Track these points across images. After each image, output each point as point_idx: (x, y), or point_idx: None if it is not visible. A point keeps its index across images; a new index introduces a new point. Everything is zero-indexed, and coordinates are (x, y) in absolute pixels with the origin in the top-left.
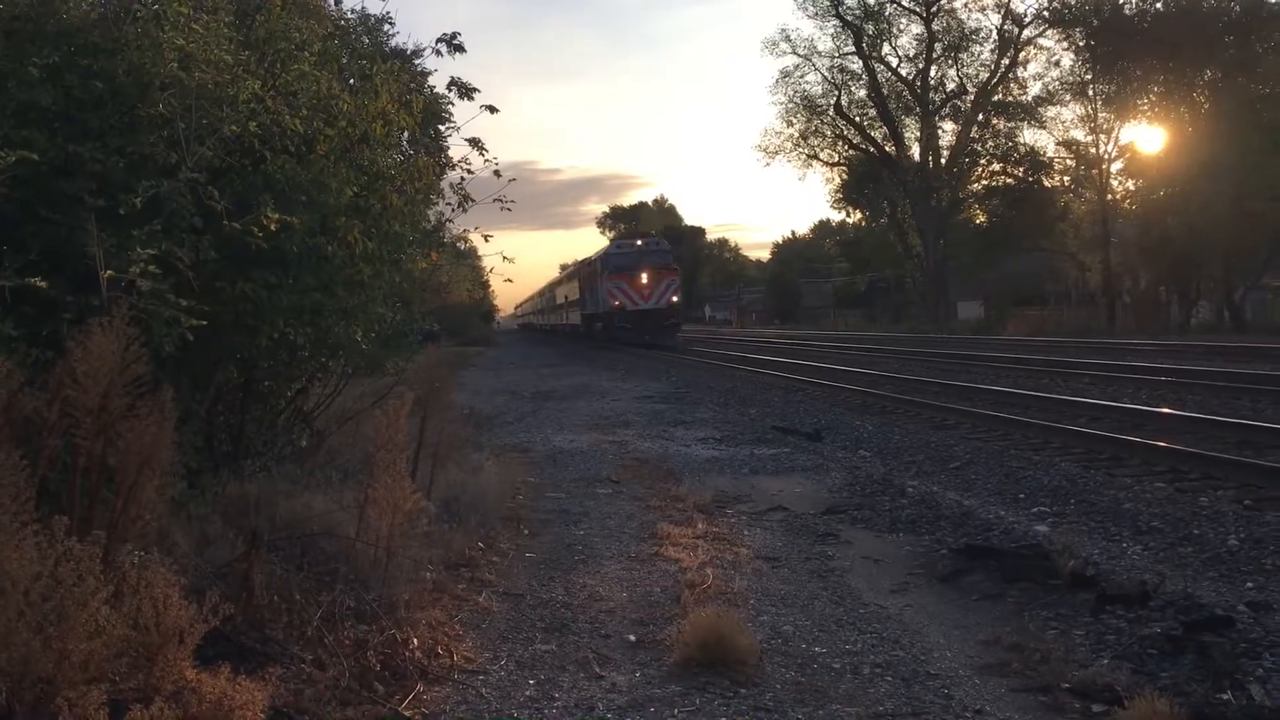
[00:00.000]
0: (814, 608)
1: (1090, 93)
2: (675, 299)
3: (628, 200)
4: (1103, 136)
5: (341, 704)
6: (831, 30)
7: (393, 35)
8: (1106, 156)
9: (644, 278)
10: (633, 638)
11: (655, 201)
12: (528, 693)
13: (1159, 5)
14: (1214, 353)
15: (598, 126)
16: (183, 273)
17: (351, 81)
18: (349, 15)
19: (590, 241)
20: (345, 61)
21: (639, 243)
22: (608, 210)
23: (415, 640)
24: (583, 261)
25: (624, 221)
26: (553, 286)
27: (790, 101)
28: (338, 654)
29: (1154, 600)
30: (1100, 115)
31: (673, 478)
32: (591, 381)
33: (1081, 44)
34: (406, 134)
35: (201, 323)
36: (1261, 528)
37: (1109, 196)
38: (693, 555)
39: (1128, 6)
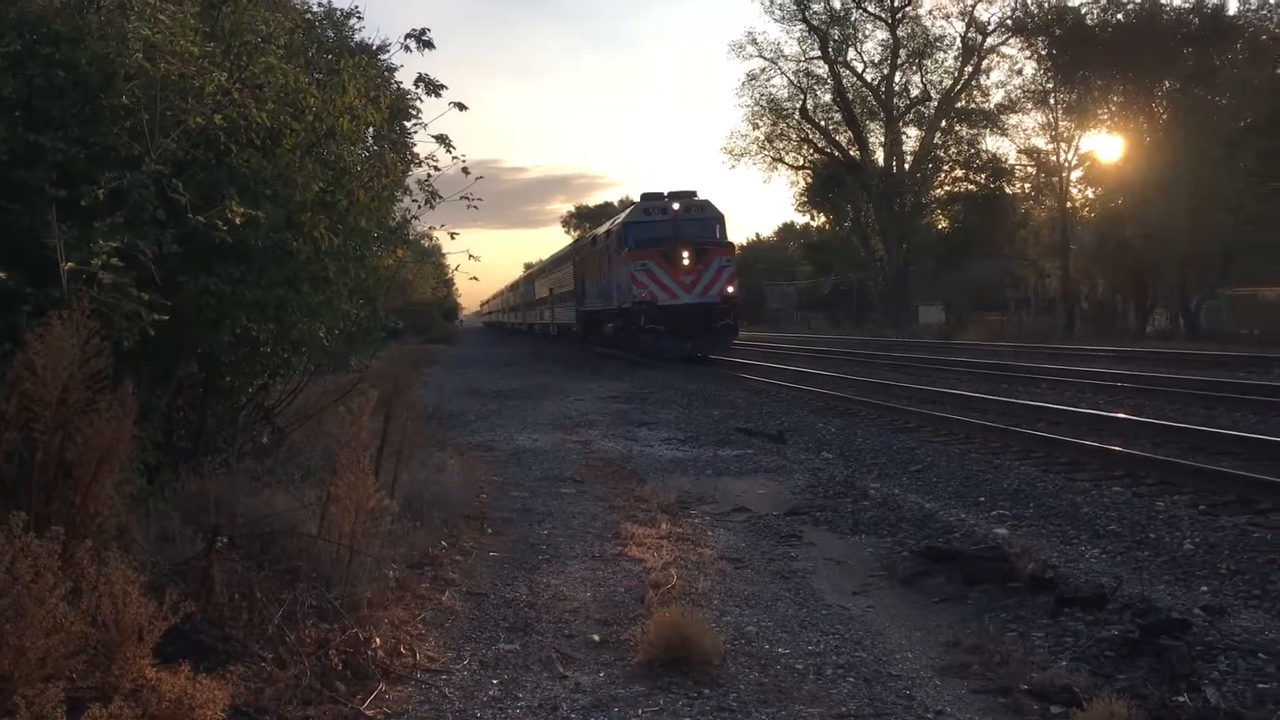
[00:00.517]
0: (777, 608)
1: (1051, 101)
2: (731, 289)
3: (593, 200)
4: (1063, 145)
5: (303, 703)
6: (798, 34)
7: (358, 30)
8: (1067, 164)
9: (685, 256)
10: (597, 638)
11: (621, 202)
12: (491, 693)
13: (1120, 16)
14: (1169, 360)
15: (565, 126)
16: (145, 266)
17: (318, 76)
18: (315, 8)
19: (555, 240)
20: (312, 55)
21: (675, 206)
22: (573, 210)
23: (378, 639)
24: (581, 240)
25: (589, 220)
26: (531, 278)
27: (756, 105)
28: (299, 653)
29: (1111, 603)
30: (1061, 124)
31: (637, 478)
32: (555, 381)
33: (1043, 53)
34: (372, 129)
35: (163, 317)
36: (1216, 532)
37: (1068, 204)
38: (657, 555)
39: (1089, 17)
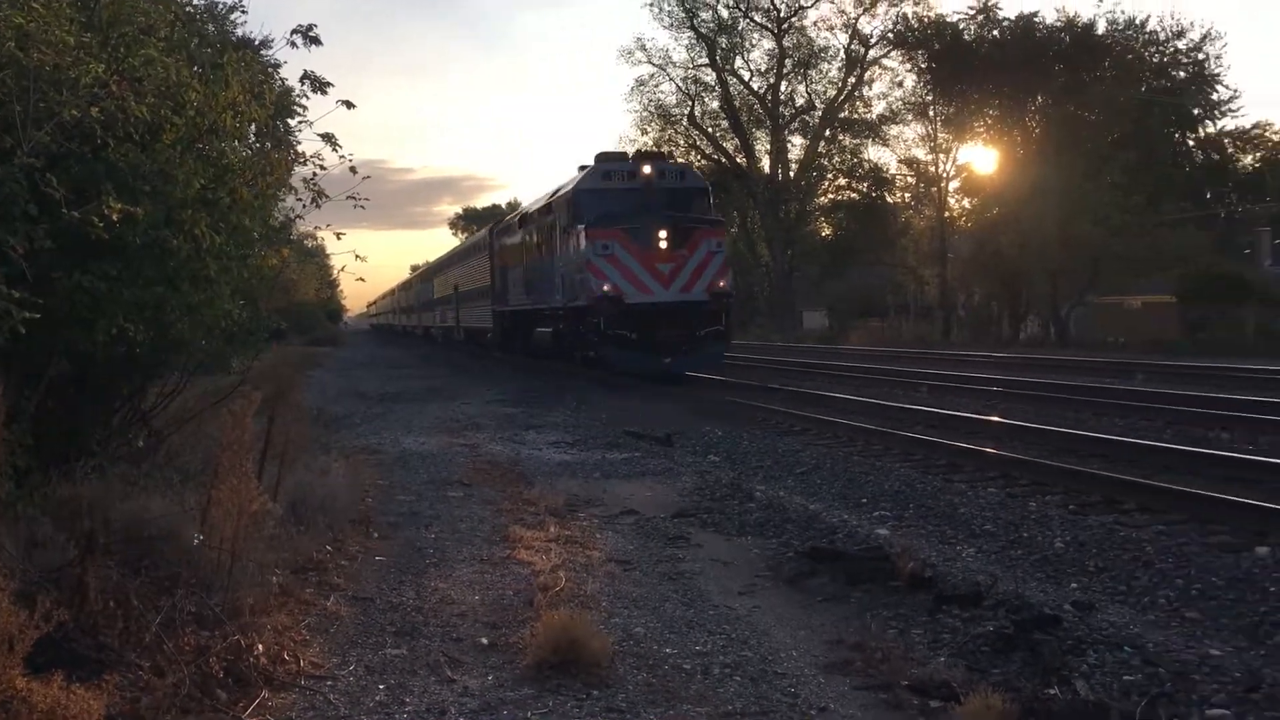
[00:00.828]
0: (665, 609)
1: (930, 113)
2: (723, 283)
3: (481, 202)
4: (942, 156)
5: (182, 712)
6: (686, 42)
7: (241, 24)
8: (945, 175)
9: (663, 238)
10: (485, 641)
11: (509, 204)
12: (378, 698)
13: (995, 32)
14: (1040, 365)
15: (453, 127)
16: (15, 262)
17: (198, 70)
18: (196, 1)
19: (442, 242)
20: (194, 48)
21: (646, 169)
22: (460, 211)
23: (260, 646)
24: (501, 222)
25: (476, 223)
26: (428, 274)
27: (645, 110)
28: (178, 661)
29: (987, 600)
30: (940, 135)
31: (525, 481)
32: (442, 384)
33: (923, 66)
34: (254, 126)
35: (34, 315)
36: (1085, 531)
37: (947, 213)
38: (545, 558)
39: (966, 32)
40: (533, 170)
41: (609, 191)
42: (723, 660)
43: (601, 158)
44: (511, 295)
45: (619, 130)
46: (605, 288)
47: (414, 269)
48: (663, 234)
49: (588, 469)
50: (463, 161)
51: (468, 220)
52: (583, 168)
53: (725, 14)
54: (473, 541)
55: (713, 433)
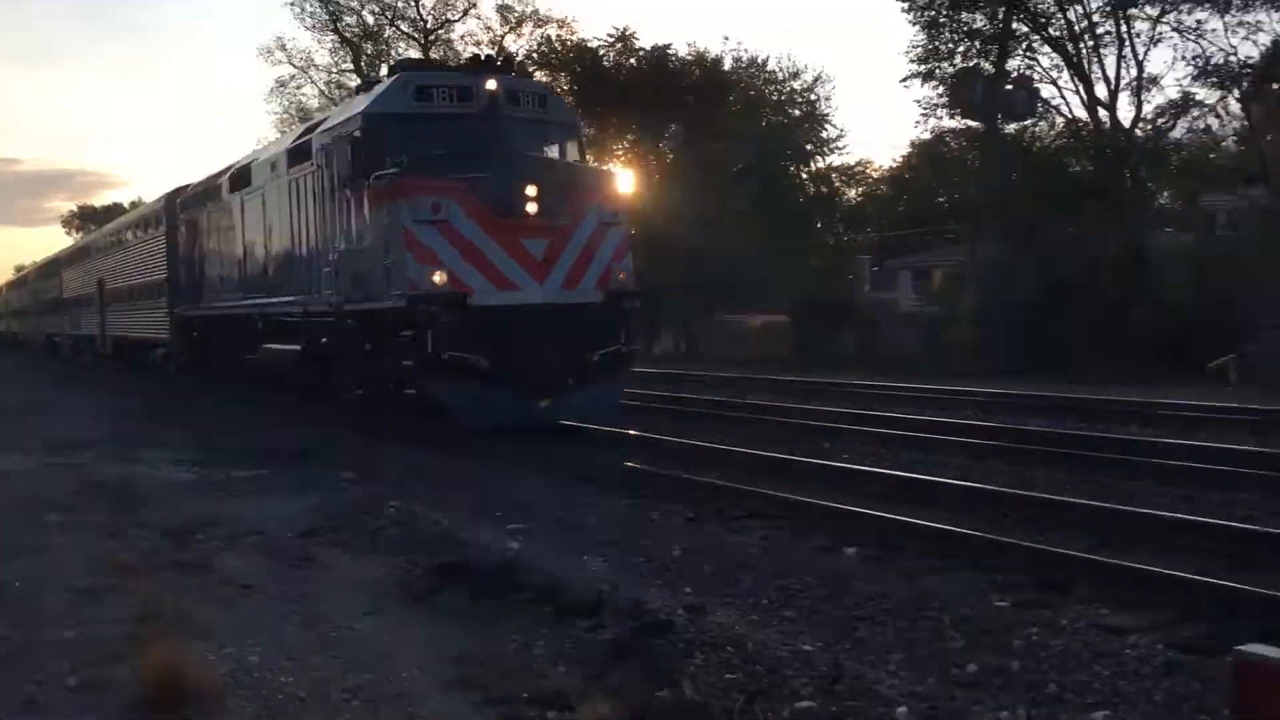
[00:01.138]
0: (284, 635)
1: None
2: (624, 273)
3: (101, 200)
4: None
5: None
6: (330, 45)
7: None
8: None
9: (530, 198)
10: (73, 681)
11: (132, 204)
12: None
13: (633, 61)
14: (672, 379)
15: (70, 118)
16: None
17: None
18: None
19: (55, 241)
20: None
21: (490, 85)
22: (76, 209)
23: None
24: (197, 184)
25: (95, 222)
26: (52, 268)
27: (285, 112)
28: None
29: (608, 608)
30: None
31: (138, 502)
32: (44, 395)
33: (566, 88)
34: None
35: None
36: (701, 539)
37: None
38: (155, 585)
39: (606, 59)
40: (162, 168)
41: (428, 118)
42: (342, 685)
43: (407, 66)
44: (213, 292)
45: (258, 133)
46: (436, 278)
47: (18, 269)
48: (530, 190)
49: (211, 488)
50: (80, 155)
51: (84, 219)
52: (371, 83)
53: (371, 20)
54: (68, 571)
55: (348, 448)
